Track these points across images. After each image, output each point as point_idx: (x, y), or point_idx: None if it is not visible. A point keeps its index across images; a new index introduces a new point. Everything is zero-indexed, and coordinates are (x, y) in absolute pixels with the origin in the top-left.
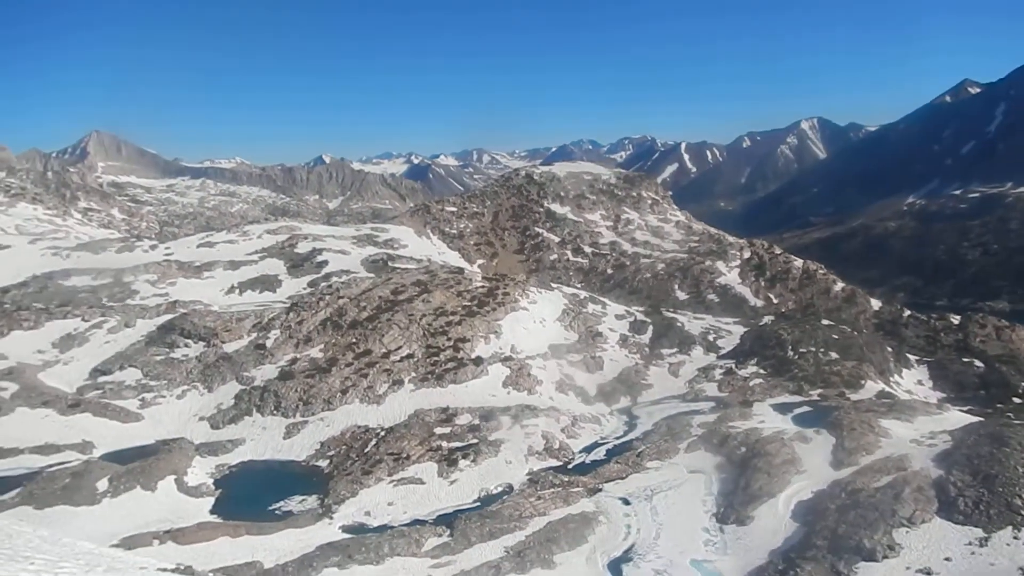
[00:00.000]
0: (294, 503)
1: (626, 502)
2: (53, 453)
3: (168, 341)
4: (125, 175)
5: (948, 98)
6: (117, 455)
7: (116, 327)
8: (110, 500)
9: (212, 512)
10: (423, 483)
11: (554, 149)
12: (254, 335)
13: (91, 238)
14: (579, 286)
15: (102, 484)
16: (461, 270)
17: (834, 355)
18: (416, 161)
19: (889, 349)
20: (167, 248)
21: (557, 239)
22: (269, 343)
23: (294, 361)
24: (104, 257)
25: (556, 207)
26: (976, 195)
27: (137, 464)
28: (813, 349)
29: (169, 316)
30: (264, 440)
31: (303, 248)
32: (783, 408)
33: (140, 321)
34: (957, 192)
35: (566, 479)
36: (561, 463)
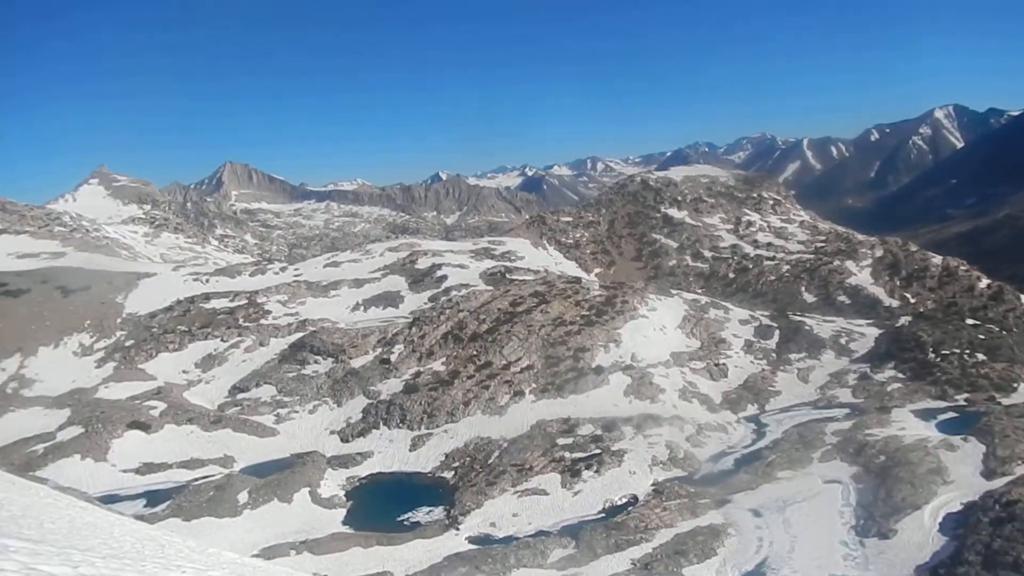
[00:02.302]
0: (421, 514)
1: (757, 514)
2: (198, 467)
3: (299, 358)
4: (256, 202)
5: None
6: (256, 468)
7: (252, 346)
8: (250, 512)
9: (344, 523)
10: (547, 494)
11: (669, 153)
12: (379, 350)
13: (227, 263)
14: (700, 291)
15: (243, 497)
16: (578, 279)
17: (981, 356)
18: (530, 173)
19: None
20: (296, 269)
21: (675, 244)
22: (393, 358)
23: (418, 375)
24: (239, 280)
25: (673, 212)
26: None
27: (274, 477)
28: (957, 351)
29: (299, 334)
30: (391, 452)
31: (423, 264)
32: (925, 414)
33: (273, 340)
34: None
35: (692, 490)
36: (686, 473)
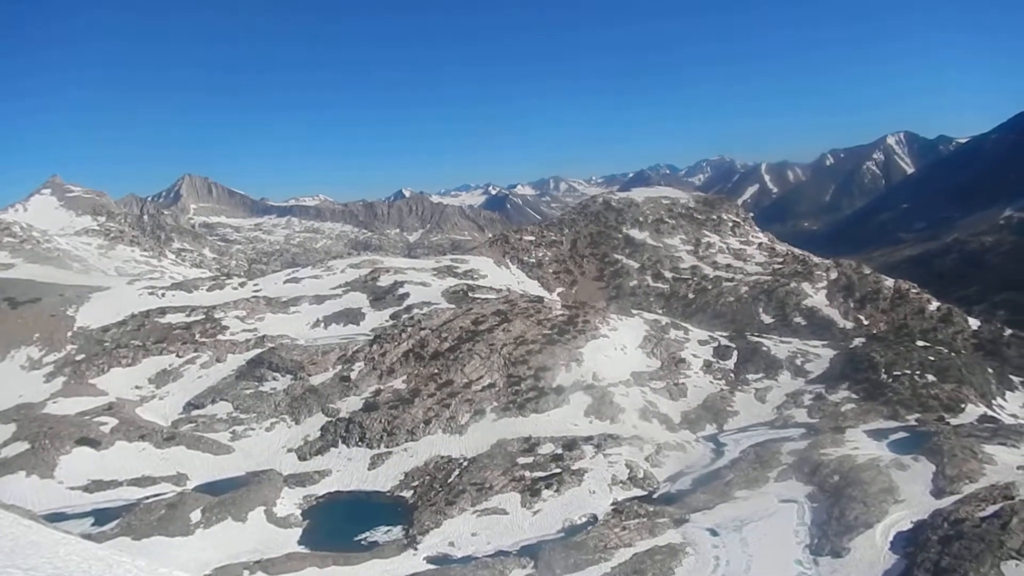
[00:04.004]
0: (379, 534)
1: (714, 533)
2: (149, 485)
3: (257, 375)
4: (216, 216)
5: None
6: (210, 487)
7: (208, 362)
8: (203, 531)
9: (300, 543)
10: (506, 513)
11: (631, 175)
12: (339, 368)
13: (184, 277)
14: (660, 312)
15: (195, 515)
16: (541, 299)
17: (931, 378)
18: (494, 192)
19: (990, 370)
20: (255, 285)
21: (637, 265)
22: (353, 375)
23: (378, 392)
24: (196, 295)
25: (635, 233)
26: None
27: (228, 495)
28: (908, 372)
29: (258, 350)
30: (350, 471)
31: (385, 281)
32: (878, 434)
33: (230, 356)
34: None
35: (651, 509)
36: (646, 493)
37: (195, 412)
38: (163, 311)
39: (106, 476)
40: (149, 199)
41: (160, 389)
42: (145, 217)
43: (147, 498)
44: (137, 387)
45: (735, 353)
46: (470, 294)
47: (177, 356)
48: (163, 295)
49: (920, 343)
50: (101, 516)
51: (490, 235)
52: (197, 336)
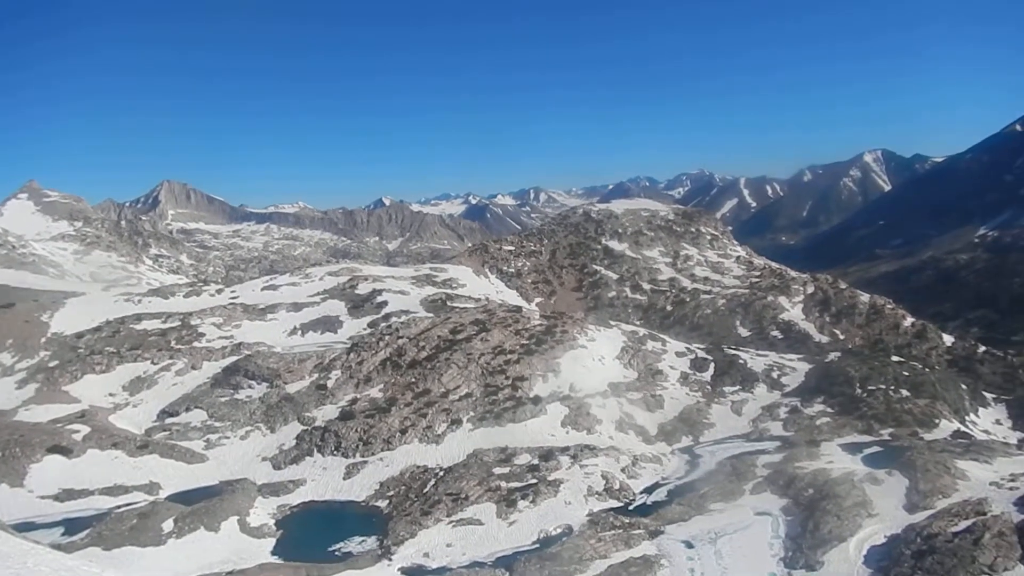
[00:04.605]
0: (354, 544)
1: (689, 545)
2: (122, 494)
3: (232, 383)
4: (194, 222)
5: (1019, 127)
6: (183, 496)
7: (183, 369)
8: (175, 541)
9: (273, 553)
10: (482, 524)
11: (611, 186)
12: (315, 376)
13: (161, 283)
14: (638, 323)
15: (167, 525)
16: (519, 308)
17: (905, 393)
18: (474, 201)
19: (964, 386)
20: (232, 292)
21: (615, 276)
22: (330, 384)
23: (354, 401)
24: (173, 302)
25: (614, 244)
26: None
27: (201, 505)
28: (883, 387)
29: (234, 358)
30: (325, 480)
31: (363, 289)
32: (852, 448)
33: (206, 363)
34: None
35: (627, 520)
36: (622, 504)
37: (169, 420)
38: (139, 317)
39: (77, 485)
40: (127, 204)
41: (134, 396)
42: (122, 223)
43: (119, 507)
44: (111, 394)
45: (712, 365)
46: (448, 303)
47: (152, 363)
48: (139, 301)
49: (895, 358)
50: (71, 526)
51: (470, 244)
52: (173, 343)
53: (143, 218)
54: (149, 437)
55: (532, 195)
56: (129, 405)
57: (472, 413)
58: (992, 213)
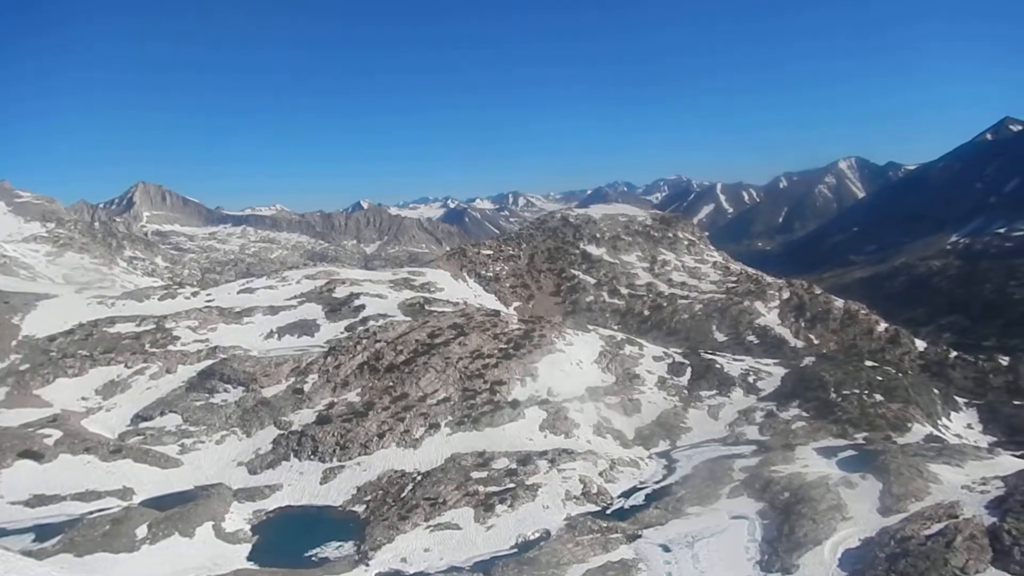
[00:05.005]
0: (330, 549)
1: (666, 549)
2: (94, 500)
3: (208, 386)
4: (169, 224)
5: (989, 136)
6: (157, 501)
7: (158, 373)
8: (149, 547)
9: (249, 559)
10: (460, 529)
11: (589, 191)
12: (292, 380)
13: (135, 286)
14: (616, 328)
15: (141, 531)
16: (497, 313)
17: (879, 397)
18: (452, 205)
19: (936, 391)
20: (208, 295)
21: (593, 281)
22: (307, 387)
23: (331, 405)
24: (147, 305)
25: (592, 249)
26: (1022, 233)
27: (176, 510)
28: (857, 391)
29: (209, 361)
30: (301, 485)
31: (341, 293)
32: (827, 452)
33: (181, 367)
34: (1002, 230)
35: (605, 525)
36: (599, 508)
37: (143, 424)
38: (112, 320)
39: (49, 490)
40: (101, 206)
41: (107, 400)
42: (96, 224)
43: (91, 513)
44: (83, 398)
45: (689, 370)
46: (427, 307)
47: (126, 367)
48: (112, 304)
49: (868, 363)
50: (43, 532)
51: (448, 248)
52: (147, 346)
53: (117, 220)
54: (123, 442)
55: (511, 199)
56: (102, 409)
57: (450, 417)
58: (963, 220)
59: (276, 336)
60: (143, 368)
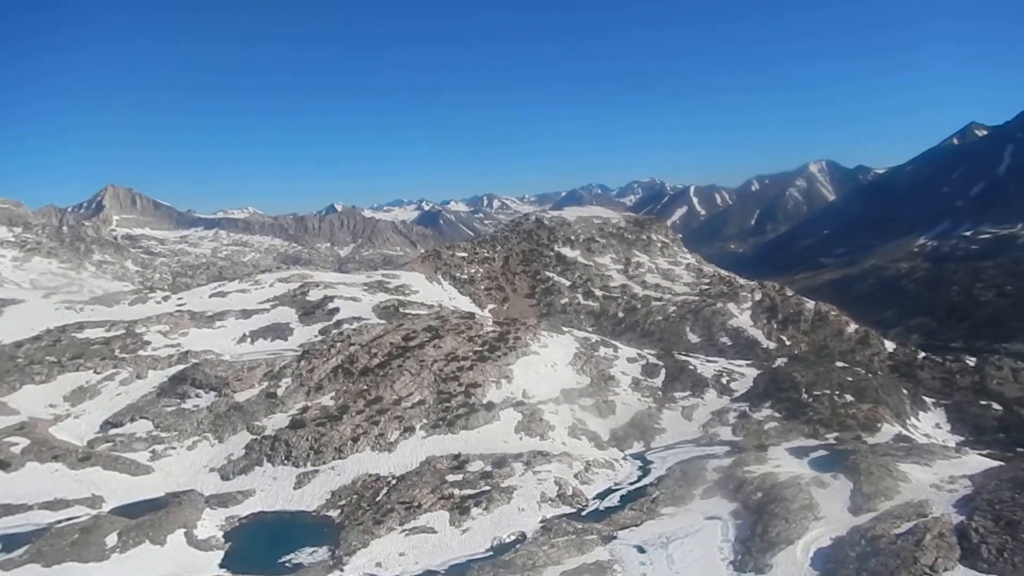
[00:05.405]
0: (304, 555)
1: (641, 550)
2: (62, 508)
3: (179, 392)
4: (139, 227)
5: (955, 140)
6: (127, 509)
7: (128, 379)
8: (119, 555)
9: (221, 566)
10: (435, 532)
11: (564, 194)
12: (265, 384)
13: (105, 291)
14: (590, 330)
15: (111, 539)
16: (472, 315)
17: (849, 398)
18: (427, 208)
19: (905, 391)
20: (179, 299)
21: (568, 283)
22: (280, 392)
23: (305, 409)
24: (117, 310)
25: (567, 251)
26: (988, 236)
27: (147, 518)
28: (828, 392)
29: (180, 366)
30: (274, 490)
31: (314, 296)
32: (799, 452)
33: (152, 372)
34: (968, 233)
35: (580, 526)
36: (575, 510)
37: (113, 431)
38: (81, 326)
39: (15, 499)
40: (69, 210)
41: (76, 407)
42: (64, 228)
43: (59, 522)
44: (51, 405)
45: (663, 371)
46: (401, 310)
47: (95, 372)
48: (81, 309)
49: (839, 364)
50: (9, 542)
51: (422, 251)
52: (117, 352)
53: (86, 223)
54: (92, 449)
55: (485, 202)
56: (71, 416)
57: (425, 420)
58: (931, 224)
59: (249, 340)
60: (113, 374)
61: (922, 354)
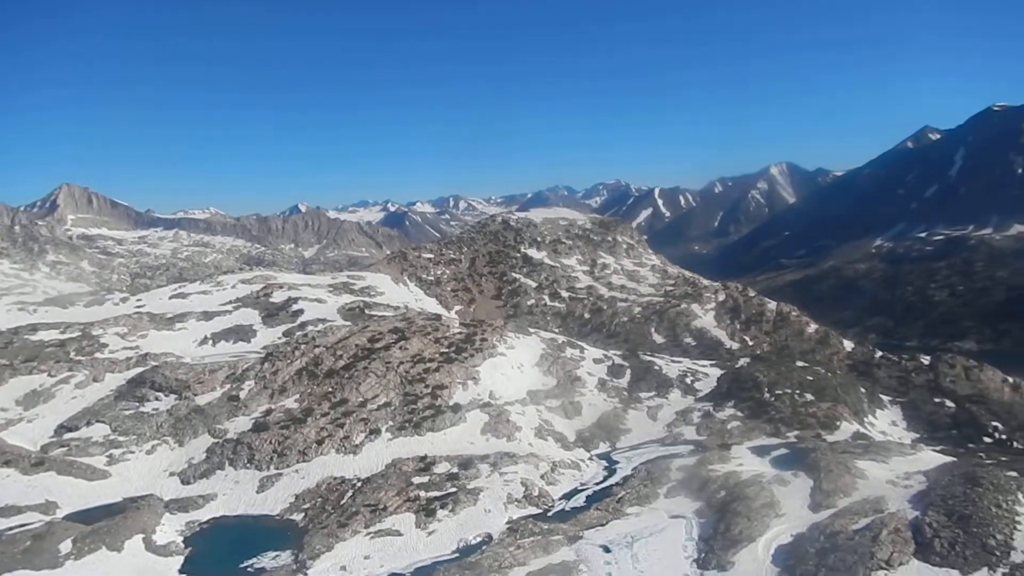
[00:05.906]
0: (267, 559)
1: (607, 549)
2: (14, 515)
3: (138, 395)
4: (96, 227)
5: (910, 144)
6: (82, 515)
7: (84, 382)
8: (74, 562)
9: (181, 572)
10: (401, 535)
11: (530, 195)
12: (227, 387)
13: (59, 292)
14: (557, 331)
15: (65, 546)
16: (438, 316)
17: (809, 396)
18: (393, 209)
19: (863, 390)
20: (138, 300)
21: (534, 284)
22: (243, 394)
23: (268, 412)
24: (73, 311)
25: (533, 252)
26: (941, 237)
27: (103, 524)
28: (789, 391)
29: (139, 369)
30: (237, 494)
31: (278, 297)
32: (761, 451)
33: (109, 375)
34: (923, 235)
35: (546, 527)
36: (541, 511)
37: (68, 435)
38: (34, 328)
39: None
40: (21, 209)
41: (29, 411)
42: (16, 228)
43: (11, 529)
44: (3, 409)
45: (628, 372)
46: (367, 311)
47: (49, 375)
48: (35, 311)
49: (800, 363)
50: None
51: (388, 252)
52: (72, 354)
53: (40, 223)
54: (45, 454)
55: (451, 203)
56: (23, 420)
57: (391, 422)
58: (887, 225)
59: (211, 342)
60: (68, 377)
61: (879, 353)
